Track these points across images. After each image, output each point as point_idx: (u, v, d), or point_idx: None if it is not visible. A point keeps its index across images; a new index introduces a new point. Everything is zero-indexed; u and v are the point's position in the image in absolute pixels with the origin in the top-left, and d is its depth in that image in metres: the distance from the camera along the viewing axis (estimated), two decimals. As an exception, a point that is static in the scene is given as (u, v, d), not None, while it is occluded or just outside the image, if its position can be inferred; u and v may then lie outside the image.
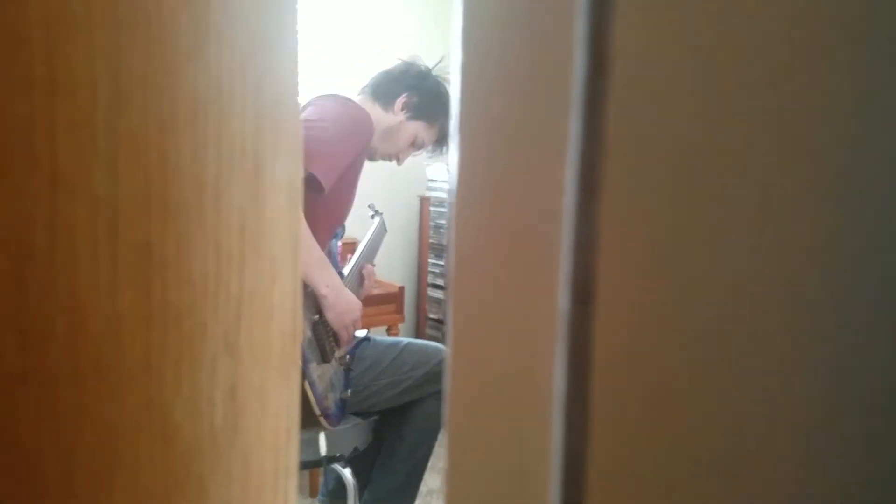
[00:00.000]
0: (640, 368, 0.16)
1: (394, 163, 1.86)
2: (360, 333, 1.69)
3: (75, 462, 0.22)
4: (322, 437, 1.50)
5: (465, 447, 0.20)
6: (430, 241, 3.56)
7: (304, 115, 1.51)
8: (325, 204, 1.52)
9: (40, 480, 0.22)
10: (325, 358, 1.52)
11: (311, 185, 1.42)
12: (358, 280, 1.79)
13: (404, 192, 3.57)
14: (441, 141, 1.79)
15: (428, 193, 3.55)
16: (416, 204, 3.64)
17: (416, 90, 1.69)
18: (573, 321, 0.16)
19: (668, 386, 0.16)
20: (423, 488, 1.77)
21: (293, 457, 0.28)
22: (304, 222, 1.40)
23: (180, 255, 0.24)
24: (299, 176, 0.28)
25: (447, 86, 1.76)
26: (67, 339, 0.21)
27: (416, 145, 1.75)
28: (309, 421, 1.47)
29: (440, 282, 3.52)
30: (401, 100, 1.68)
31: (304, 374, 1.42)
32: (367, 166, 1.76)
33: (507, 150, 0.17)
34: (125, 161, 0.22)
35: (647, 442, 0.16)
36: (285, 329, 0.27)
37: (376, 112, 1.68)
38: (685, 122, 0.15)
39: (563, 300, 0.16)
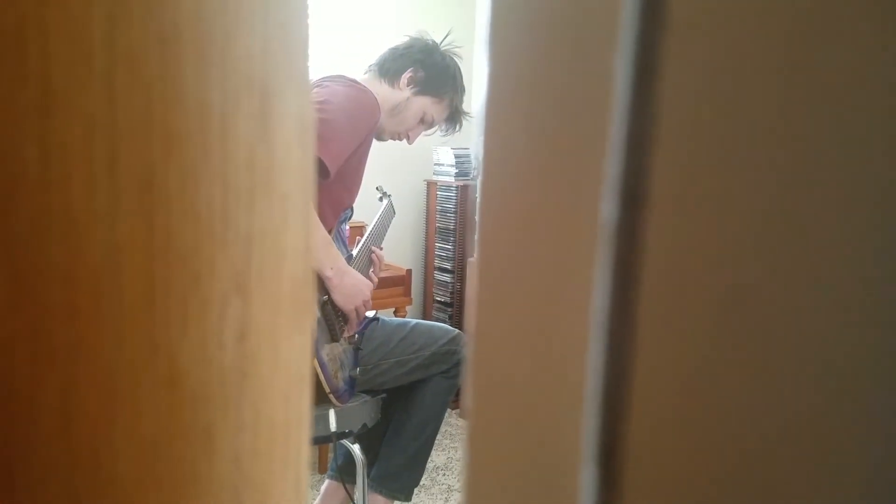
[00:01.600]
0: (698, 286, 0.14)
1: (403, 144, 1.84)
2: (370, 314, 1.69)
3: (73, 401, 0.21)
4: (332, 414, 1.50)
5: (490, 366, 0.18)
6: (437, 225, 3.55)
7: None
8: (330, 188, 1.50)
9: (36, 418, 0.20)
10: (334, 337, 1.51)
11: (317, 169, 1.40)
12: (367, 263, 1.77)
13: (411, 176, 3.56)
14: (452, 118, 1.75)
15: (434, 178, 3.53)
16: (423, 188, 3.62)
17: (421, 64, 1.66)
18: (619, 230, 0.14)
19: (724, 307, 0.14)
20: (429, 465, 1.77)
21: (305, 406, 0.26)
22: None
23: (185, 188, 0.22)
24: (310, 110, 0.26)
25: (455, 60, 1.73)
26: (63, 269, 0.20)
27: (425, 122, 1.72)
28: (319, 399, 1.46)
29: (447, 265, 3.51)
30: (406, 75, 1.65)
31: (314, 353, 1.41)
32: (374, 152, 1.74)
33: (550, 29, 0.15)
34: (123, 80, 0.20)
35: (704, 367, 0.14)
36: (297, 271, 0.25)
37: (383, 89, 1.65)
38: None
39: (608, 207, 0.14)
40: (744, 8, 0.12)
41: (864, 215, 0.12)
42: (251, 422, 0.25)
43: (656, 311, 0.14)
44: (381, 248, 1.92)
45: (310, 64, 0.27)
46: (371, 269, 1.78)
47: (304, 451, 0.27)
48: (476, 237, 0.19)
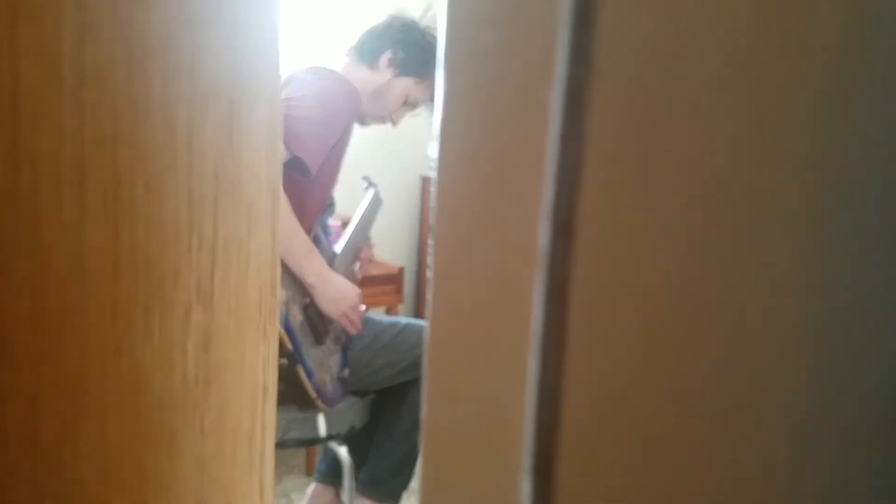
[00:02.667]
0: (620, 305, 0.15)
1: (397, 138, 1.81)
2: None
3: (39, 407, 0.21)
4: (321, 418, 1.50)
5: (442, 380, 0.19)
6: (432, 222, 3.54)
7: (285, 94, 1.44)
8: (312, 186, 1.46)
9: (3, 422, 0.21)
10: (318, 340, 1.49)
11: (298, 168, 1.36)
12: (352, 258, 1.74)
13: (406, 171, 3.55)
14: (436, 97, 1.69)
15: (430, 174, 3.52)
16: (418, 184, 3.62)
17: (401, 45, 1.59)
18: (552, 255, 0.15)
19: (647, 323, 0.15)
20: (418, 469, 1.76)
21: (270, 413, 0.27)
22: (287, 206, 1.36)
23: (150, 197, 0.23)
24: (278, 121, 0.27)
25: (436, 37, 1.67)
26: (29, 277, 0.20)
27: (408, 104, 1.66)
28: (307, 405, 1.46)
29: (440, 264, 3.51)
30: (385, 56, 1.58)
31: (298, 359, 1.39)
32: (367, 146, 1.70)
33: (492, 74, 0.16)
34: (92, 94, 0.21)
35: (625, 380, 0.15)
36: (263, 280, 0.26)
37: (362, 73, 1.60)
38: (679, 39, 0.14)
39: (543, 233, 0.15)
40: (656, 56, 0.13)
41: (776, 238, 0.13)
42: (215, 428, 0.25)
43: (584, 331, 0.15)
44: (373, 245, 1.90)
45: (280, 75, 0.28)
46: (357, 265, 1.74)
47: (269, 457, 0.28)
48: (431, 250, 0.19)
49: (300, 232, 1.41)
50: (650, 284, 0.14)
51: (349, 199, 1.81)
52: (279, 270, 0.27)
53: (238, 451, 0.26)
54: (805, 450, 0.14)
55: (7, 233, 0.21)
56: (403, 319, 1.79)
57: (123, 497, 0.24)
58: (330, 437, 1.54)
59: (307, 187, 1.47)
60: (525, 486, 0.16)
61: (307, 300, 1.47)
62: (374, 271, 2.82)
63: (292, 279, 1.44)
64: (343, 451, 1.63)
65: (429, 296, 0.20)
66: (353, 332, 1.56)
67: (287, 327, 1.37)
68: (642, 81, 0.13)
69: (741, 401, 0.14)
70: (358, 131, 1.71)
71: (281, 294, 1.41)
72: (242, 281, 0.25)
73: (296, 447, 1.77)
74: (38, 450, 0.22)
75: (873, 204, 0.12)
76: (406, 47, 1.62)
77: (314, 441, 1.54)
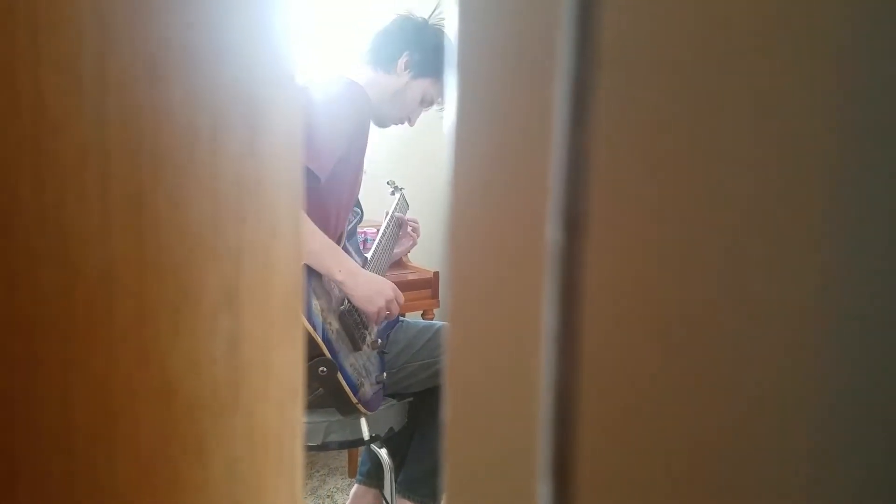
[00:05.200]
0: (635, 303, 0.14)
1: (428, 144, 1.82)
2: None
3: (71, 416, 0.22)
4: (363, 422, 1.51)
5: (460, 382, 0.19)
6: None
7: None
8: (326, 192, 1.46)
9: (37, 432, 0.21)
10: (355, 347, 1.50)
11: (306, 176, 1.36)
12: (384, 262, 1.75)
13: (438, 178, 3.56)
14: None
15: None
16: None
17: (416, 46, 1.60)
18: (564, 253, 0.15)
19: (662, 322, 0.15)
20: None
21: (298, 415, 0.27)
22: (302, 213, 1.36)
23: (174, 206, 0.23)
24: (298, 125, 0.27)
25: (447, 34, 1.65)
26: (57, 286, 0.21)
27: (425, 103, 1.68)
28: (348, 409, 1.46)
29: (475, 267, 3.50)
30: (402, 60, 1.60)
31: (337, 367, 1.40)
32: (401, 153, 1.70)
33: (500, 71, 0.16)
34: (114, 106, 0.22)
35: (640, 378, 0.14)
36: (288, 283, 0.26)
37: (379, 77, 1.61)
38: (684, 28, 0.13)
39: (552, 230, 0.15)
40: (661, 46, 0.13)
41: (791, 230, 0.13)
42: (244, 431, 0.26)
43: (599, 331, 0.15)
44: (417, 225, 1.88)
45: (298, 79, 0.28)
46: (396, 246, 1.73)
47: (299, 459, 0.28)
48: (447, 252, 0.19)
49: (316, 230, 1.41)
50: (663, 279, 0.14)
51: (381, 207, 1.82)
52: (304, 275, 0.28)
53: (268, 453, 0.26)
54: (823, 450, 0.13)
55: (34, 244, 0.21)
56: (438, 323, 1.80)
57: (155, 501, 0.24)
58: (371, 438, 1.55)
59: (323, 194, 1.47)
60: (543, 489, 0.16)
61: (342, 308, 1.48)
62: (410, 276, 2.84)
63: (325, 288, 1.45)
64: (383, 453, 1.64)
65: (448, 299, 0.20)
66: (392, 317, 1.56)
67: (324, 336, 1.38)
68: (648, 72, 0.13)
69: (758, 396, 0.14)
70: (389, 140, 1.71)
71: (317, 304, 1.41)
72: (268, 285, 0.25)
73: (338, 449, 1.78)
74: (72, 454, 0.23)
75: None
76: (421, 49, 1.63)
77: (357, 443, 1.55)
